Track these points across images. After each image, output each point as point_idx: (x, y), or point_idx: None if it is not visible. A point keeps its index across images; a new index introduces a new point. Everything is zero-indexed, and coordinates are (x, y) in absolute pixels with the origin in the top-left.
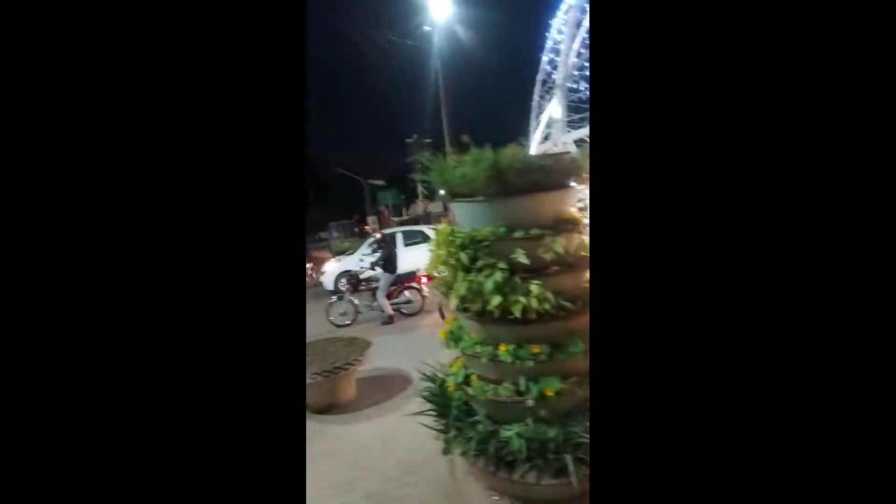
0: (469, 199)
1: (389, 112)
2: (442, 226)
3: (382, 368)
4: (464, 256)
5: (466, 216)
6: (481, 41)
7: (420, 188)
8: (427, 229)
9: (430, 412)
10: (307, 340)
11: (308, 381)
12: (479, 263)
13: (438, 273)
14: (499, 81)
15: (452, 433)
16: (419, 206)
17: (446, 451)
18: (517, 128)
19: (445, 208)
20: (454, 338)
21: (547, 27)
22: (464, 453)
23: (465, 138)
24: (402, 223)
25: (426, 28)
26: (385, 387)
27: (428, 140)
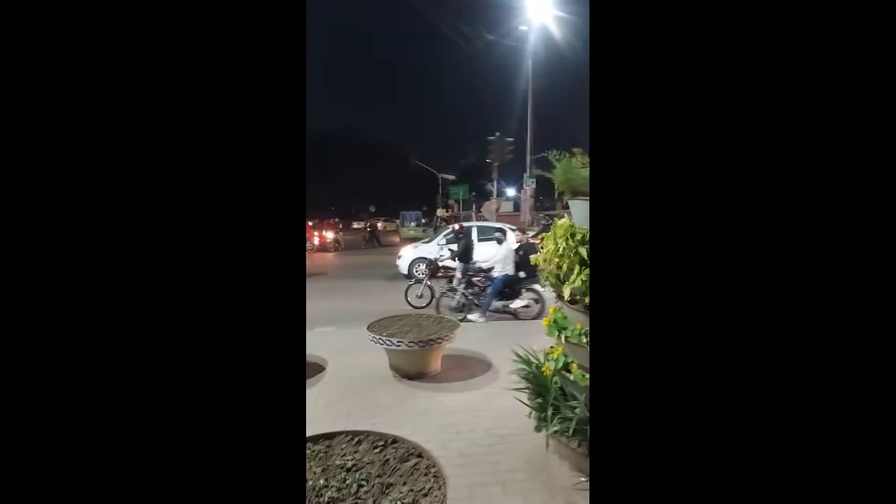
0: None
1: (475, 109)
2: (562, 220)
3: (463, 349)
4: (584, 251)
5: (587, 215)
6: (579, 44)
7: (495, 185)
8: (503, 227)
9: (525, 390)
10: (399, 314)
11: (405, 348)
12: None
13: (548, 263)
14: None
15: (550, 412)
16: (493, 204)
17: (538, 429)
18: None
19: (516, 207)
20: (558, 326)
21: None
22: (558, 432)
23: None
24: (448, 219)
25: (522, 28)
26: (467, 366)
27: (510, 139)
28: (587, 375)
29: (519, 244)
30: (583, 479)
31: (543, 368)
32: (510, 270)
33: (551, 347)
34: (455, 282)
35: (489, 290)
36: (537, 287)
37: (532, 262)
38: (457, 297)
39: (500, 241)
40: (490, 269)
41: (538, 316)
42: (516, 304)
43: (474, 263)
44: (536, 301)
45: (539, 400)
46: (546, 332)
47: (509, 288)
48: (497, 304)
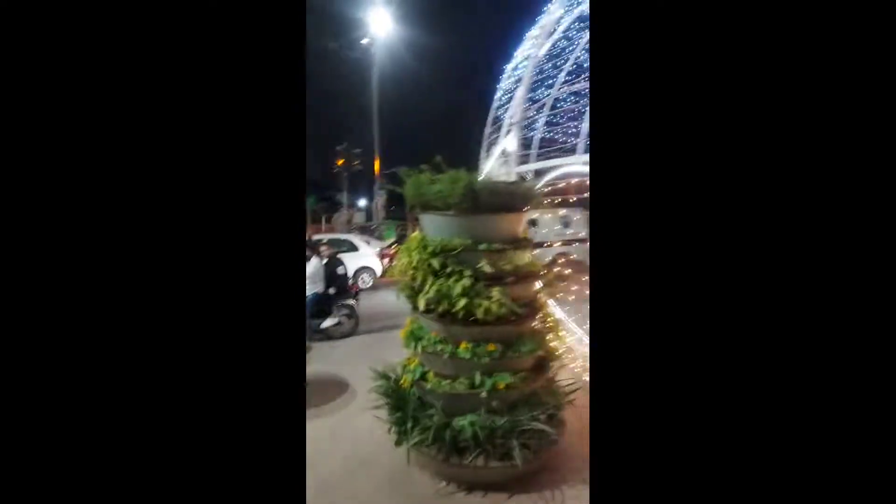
0: (440, 213)
1: (317, 119)
2: (414, 233)
3: (317, 372)
4: (435, 263)
5: (437, 227)
6: (422, 64)
7: (345, 196)
8: (354, 238)
9: (384, 406)
10: None
11: None
12: (448, 270)
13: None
14: (436, 104)
15: (409, 424)
16: (344, 215)
17: (399, 443)
18: (453, 151)
19: (369, 217)
20: (414, 337)
21: (493, 67)
22: (419, 443)
23: (439, 159)
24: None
25: (365, 41)
26: (322, 390)
27: (357, 150)
28: (443, 382)
29: (327, 258)
30: (443, 483)
31: (401, 381)
32: (320, 288)
33: (408, 358)
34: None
35: None
36: (350, 302)
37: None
38: None
39: (308, 258)
40: None
41: (352, 333)
42: (327, 322)
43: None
44: (349, 317)
45: (398, 414)
46: (403, 343)
47: (320, 307)
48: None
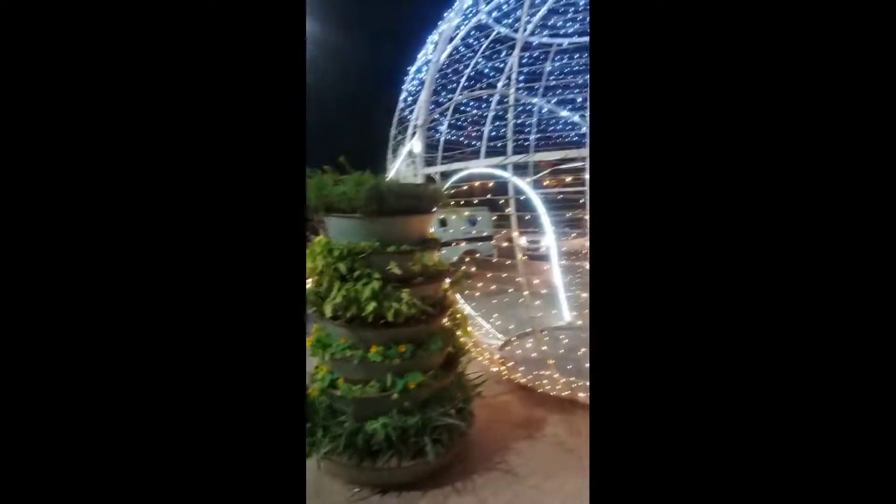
0: (346, 216)
1: None
2: (318, 237)
3: None
4: (342, 267)
5: (343, 231)
6: (327, 60)
7: None
8: None
9: None
10: None
11: None
12: (356, 273)
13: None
14: (340, 102)
15: (319, 435)
16: None
17: (309, 454)
18: (358, 150)
19: None
20: (322, 345)
21: (397, 70)
22: (330, 451)
23: (343, 159)
24: None
25: None
26: None
27: None
28: (354, 387)
29: None
30: (356, 489)
31: (309, 391)
32: None
33: (316, 367)
34: None
35: None
36: None
37: None
38: None
39: None
40: None
41: None
42: None
43: None
44: None
45: (308, 424)
46: (310, 352)
47: None
48: None
